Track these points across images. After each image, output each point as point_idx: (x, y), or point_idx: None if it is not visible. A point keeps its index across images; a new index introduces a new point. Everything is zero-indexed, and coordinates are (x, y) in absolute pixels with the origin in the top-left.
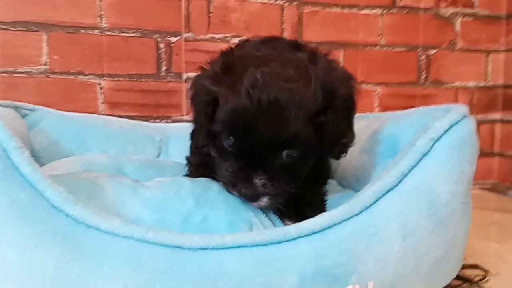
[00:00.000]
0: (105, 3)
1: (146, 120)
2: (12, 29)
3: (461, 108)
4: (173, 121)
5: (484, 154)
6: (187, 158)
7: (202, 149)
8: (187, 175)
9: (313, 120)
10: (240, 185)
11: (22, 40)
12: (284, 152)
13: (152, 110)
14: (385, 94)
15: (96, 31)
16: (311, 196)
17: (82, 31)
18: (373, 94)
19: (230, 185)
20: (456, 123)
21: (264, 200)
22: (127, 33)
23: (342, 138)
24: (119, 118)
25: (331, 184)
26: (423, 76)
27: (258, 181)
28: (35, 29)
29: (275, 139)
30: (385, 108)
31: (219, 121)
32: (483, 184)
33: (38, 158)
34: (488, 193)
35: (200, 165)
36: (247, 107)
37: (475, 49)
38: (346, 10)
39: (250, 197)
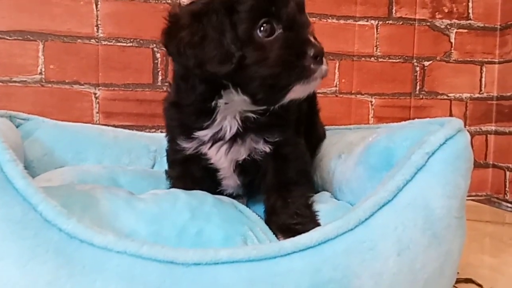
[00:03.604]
0: (102, 13)
1: (142, 130)
2: (8, 38)
3: (456, 122)
4: None
5: (478, 165)
6: (166, 172)
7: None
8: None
9: None
10: (309, 47)
11: (18, 49)
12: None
13: (147, 120)
14: (380, 105)
15: (93, 41)
16: (300, 207)
17: (79, 40)
18: (368, 105)
19: (294, 56)
20: (451, 137)
21: (325, 61)
22: (124, 42)
23: None
24: (114, 128)
25: (325, 195)
26: (418, 87)
27: (313, 38)
28: (32, 38)
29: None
30: (380, 119)
31: (257, 1)
32: (476, 196)
33: (32, 168)
34: (482, 205)
35: (180, 177)
36: None
37: (470, 61)
38: (342, 21)
39: (322, 52)
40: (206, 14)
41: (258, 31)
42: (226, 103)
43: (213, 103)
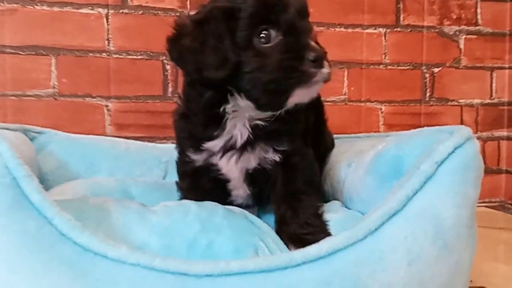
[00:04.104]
0: (113, 27)
1: (153, 141)
2: (22, 53)
3: (465, 130)
4: None
5: (490, 171)
6: (177, 183)
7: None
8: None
9: None
10: (307, 51)
11: (31, 64)
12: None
13: (158, 131)
14: (390, 112)
15: (104, 54)
16: (310, 217)
17: (90, 54)
18: (378, 112)
19: (292, 61)
20: (460, 146)
21: (327, 64)
22: (134, 55)
23: None
24: (126, 140)
25: (336, 204)
26: (428, 94)
27: (314, 43)
28: (44, 53)
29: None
30: (390, 126)
31: (257, 8)
32: (490, 203)
33: (46, 180)
34: (495, 211)
35: (190, 188)
36: None
37: (480, 67)
38: (350, 30)
39: (323, 55)
40: (208, 22)
41: (257, 38)
42: (234, 110)
43: (221, 109)
